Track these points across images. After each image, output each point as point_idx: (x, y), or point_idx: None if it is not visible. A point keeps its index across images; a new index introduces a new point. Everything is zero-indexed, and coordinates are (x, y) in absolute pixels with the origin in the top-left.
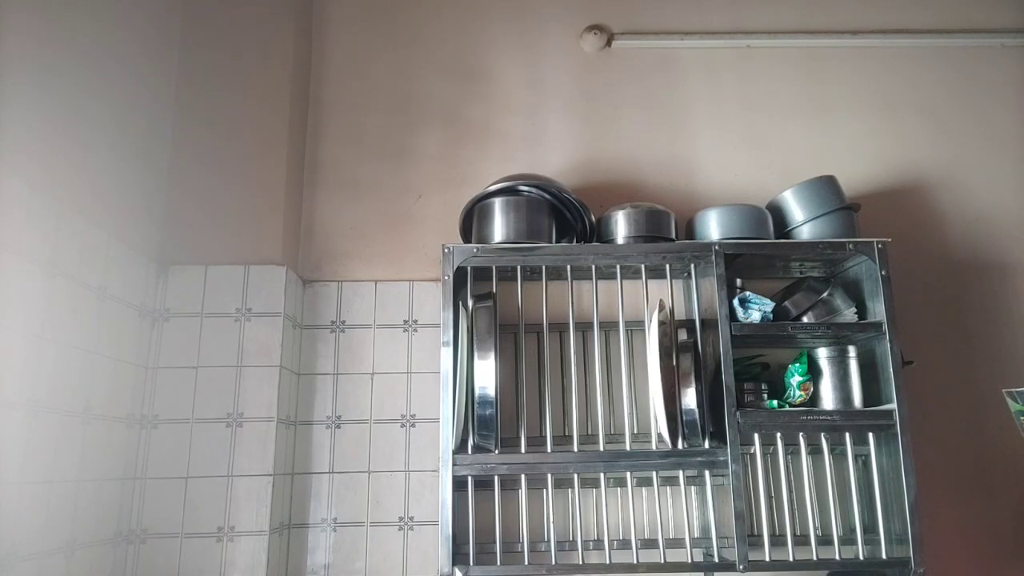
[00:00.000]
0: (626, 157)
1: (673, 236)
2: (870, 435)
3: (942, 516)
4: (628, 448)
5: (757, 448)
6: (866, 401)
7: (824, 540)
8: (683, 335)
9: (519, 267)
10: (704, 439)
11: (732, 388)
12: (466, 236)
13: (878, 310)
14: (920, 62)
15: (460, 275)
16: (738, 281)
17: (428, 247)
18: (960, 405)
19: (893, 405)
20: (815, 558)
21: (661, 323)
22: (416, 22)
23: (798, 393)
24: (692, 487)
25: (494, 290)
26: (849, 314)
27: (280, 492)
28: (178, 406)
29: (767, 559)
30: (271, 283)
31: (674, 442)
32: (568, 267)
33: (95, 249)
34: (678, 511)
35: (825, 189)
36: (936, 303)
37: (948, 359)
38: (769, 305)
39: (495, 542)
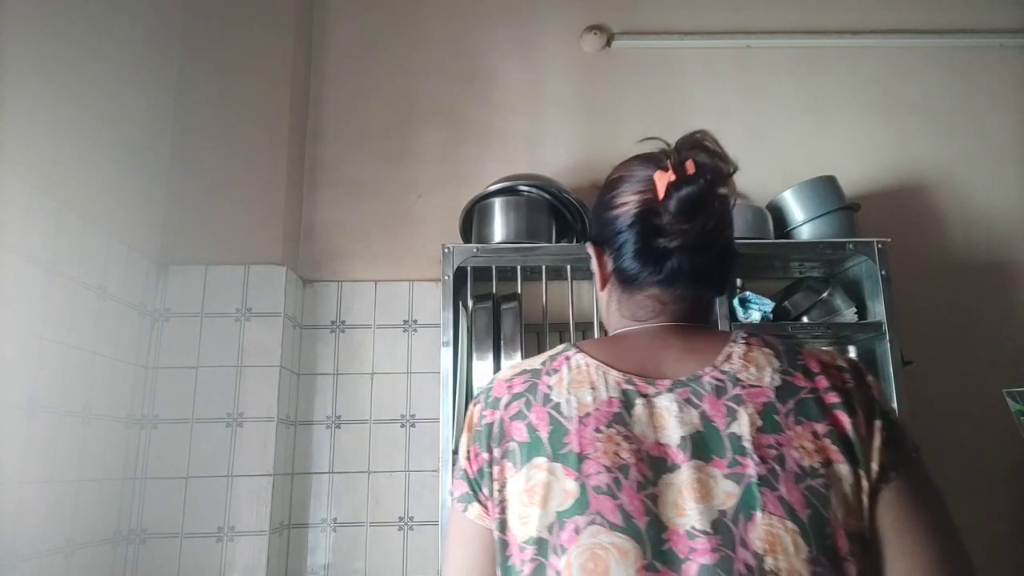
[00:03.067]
0: (626, 157)
1: None
2: None
3: None
4: None
5: None
6: None
7: None
8: None
9: (519, 267)
10: None
11: None
12: (466, 236)
13: (878, 310)
14: (919, 62)
15: (460, 275)
16: (738, 281)
17: (428, 247)
18: (960, 405)
19: (893, 405)
20: None
21: None
22: (417, 22)
23: None
24: None
25: (494, 290)
26: (849, 314)
27: (280, 492)
28: (178, 406)
29: None
30: (271, 283)
31: None
32: (568, 267)
33: (95, 249)
34: None
35: (825, 189)
36: (936, 303)
37: (948, 359)
38: (769, 305)
39: None
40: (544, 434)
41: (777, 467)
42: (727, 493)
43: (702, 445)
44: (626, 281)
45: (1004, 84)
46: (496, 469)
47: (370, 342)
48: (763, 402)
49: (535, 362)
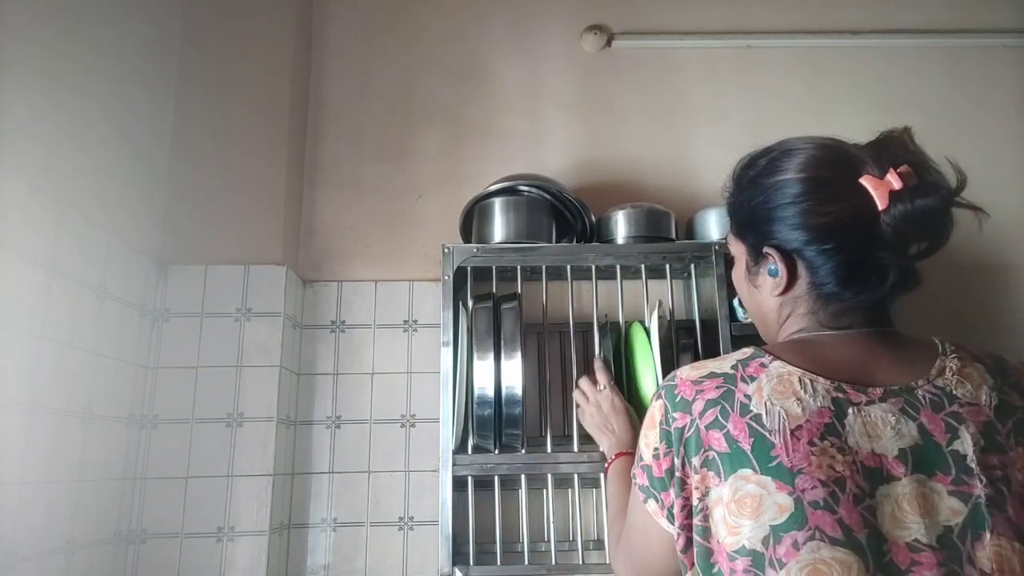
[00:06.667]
0: (626, 157)
1: (673, 236)
2: None
3: None
4: None
5: None
6: None
7: None
8: (681, 336)
9: (519, 267)
10: None
11: None
12: (466, 236)
13: None
14: (920, 62)
15: (460, 275)
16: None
17: (428, 247)
18: None
19: None
20: None
21: (660, 317)
22: (417, 21)
23: None
24: None
25: (494, 290)
26: None
27: (280, 492)
28: (178, 406)
29: None
30: (271, 283)
31: None
32: (568, 267)
33: (95, 249)
34: None
35: None
36: (936, 303)
37: None
38: None
39: (495, 542)
40: (746, 446)
41: (1004, 488)
42: (952, 510)
43: (923, 459)
44: (827, 295)
45: (1005, 84)
46: (696, 477)
47: (370, 342)
48: (983, 421)
49: (724, 365)
